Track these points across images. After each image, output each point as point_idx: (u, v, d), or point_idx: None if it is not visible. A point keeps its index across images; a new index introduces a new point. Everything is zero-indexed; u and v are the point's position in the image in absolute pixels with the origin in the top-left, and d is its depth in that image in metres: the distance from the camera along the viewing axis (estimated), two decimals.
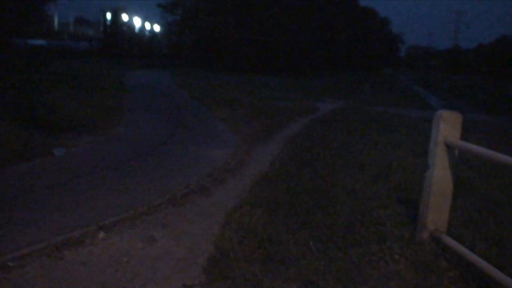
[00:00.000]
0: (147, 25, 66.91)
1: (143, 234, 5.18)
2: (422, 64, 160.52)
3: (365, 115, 16.45)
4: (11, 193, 6.23)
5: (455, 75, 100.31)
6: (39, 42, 44.39)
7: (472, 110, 26.78)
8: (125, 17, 60.19)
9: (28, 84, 14.60)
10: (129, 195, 6.47)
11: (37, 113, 10.73)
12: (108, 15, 58.54)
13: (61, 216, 5.46)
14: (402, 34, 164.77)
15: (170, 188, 6.86)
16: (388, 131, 12.42)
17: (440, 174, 4.56)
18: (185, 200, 6.49)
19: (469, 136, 11.36)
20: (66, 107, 12.30)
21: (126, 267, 4.42)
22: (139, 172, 7.68)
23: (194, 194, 6.76)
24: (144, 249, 4.83)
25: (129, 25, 62.17)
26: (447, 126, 4.50)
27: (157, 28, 66.71)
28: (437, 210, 4.63)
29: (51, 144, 8.95)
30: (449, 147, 4.51)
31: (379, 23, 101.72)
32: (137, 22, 63.81)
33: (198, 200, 6.55)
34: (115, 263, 4.48)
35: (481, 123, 17.72)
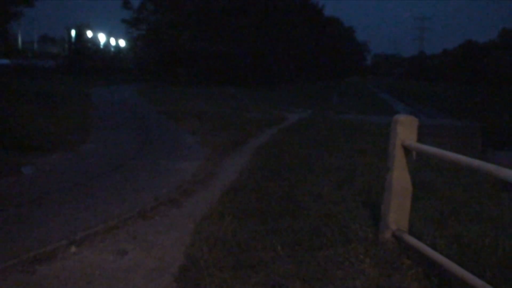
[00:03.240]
0: (112, 41, 66.74)
1: (114, 247, 5.25)
2: (388, 72, 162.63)
3: (332, 123, 16.69)
4: None
5: (420, 81, 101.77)
6: (2, 61, 43.81)
7: (438, 115, 27.31)
8: (89, 33, 59.88)
9: None
10: (99, 209, 6.51)
11: (3, 131, 10.67)
12: (73, 32, 58.16)
13: (32, 232, 5.50)
14: (368, 42, 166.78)
15: (140, 202, 6.92)
16: (353, 138, 12.68)
17: (399, 176, 4.75)
18: (155, 212, 6.56)
19: (432, 139, 11.67)
20: (34, 125, 12.27)
21: (98, 280, 4.48)
22: (109, 187, 7.72)
23: (164, 206, 6.83)
24: (116, 261, 4.90)
25: (94, 41, 61.86)
26: (404, 130, 4.70)
27: (122, 43, 66.56)
28: (398, 210, 4.80)
29: (19, 162, 8.94)
30: (406, 150, 4.70)
31: (345, 32, 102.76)
32: (101, 38, 63.62)
33: (168, 212, 6.63)
34: (88, 276, 4.54)
35: (447, 128, 18.10)
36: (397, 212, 4.80)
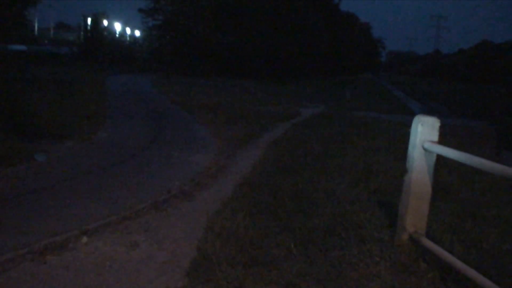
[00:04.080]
0: (128, 30, 66.74)
1: (126, 239, 5.20)
2: (403, 69, 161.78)
3: (346, 120, 16.58)
4: None
5: (435, 80, 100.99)
6: (20, 47, 43.85)
7: (452, 114, 27.02)
8: (105, 22, 59.90)
9: (8, 90, 14.48)
10: (111, 200, 6.48)
11: (18, 118, 10.66)
12: (89, 20, 58.18)
13: (43, 221, 5.47)
14: (383, 39, 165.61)
15: (152, 193, 6.88)
16: (368, 136, 12.55)
17: (418, 178, 4.65)
18: (168, 204, 6.51)
19: (448, 140, 11.52)
20: (48, 112, 12.25)
21: (109, 271, 4.43)
22: (121, 177, 7.69)
23: (177, 198, 6.79)
24: (127, 253, 4.85)
25: (110, 30, 61.85)
26: (426, 130, 4.59)
27: (137, 33, 66.55)
28: (416, 212, 4.71)
29: (32, 149, 8.91)
30: (427, 151, 4.59)
31: (360, 28, 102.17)
32: (117, 27, 63.60)
33: (181, 205, 6.58)
34: (98, 267, 4.50)
35: (461, 128, 17.92)
36: (415, 215, 4.70)
